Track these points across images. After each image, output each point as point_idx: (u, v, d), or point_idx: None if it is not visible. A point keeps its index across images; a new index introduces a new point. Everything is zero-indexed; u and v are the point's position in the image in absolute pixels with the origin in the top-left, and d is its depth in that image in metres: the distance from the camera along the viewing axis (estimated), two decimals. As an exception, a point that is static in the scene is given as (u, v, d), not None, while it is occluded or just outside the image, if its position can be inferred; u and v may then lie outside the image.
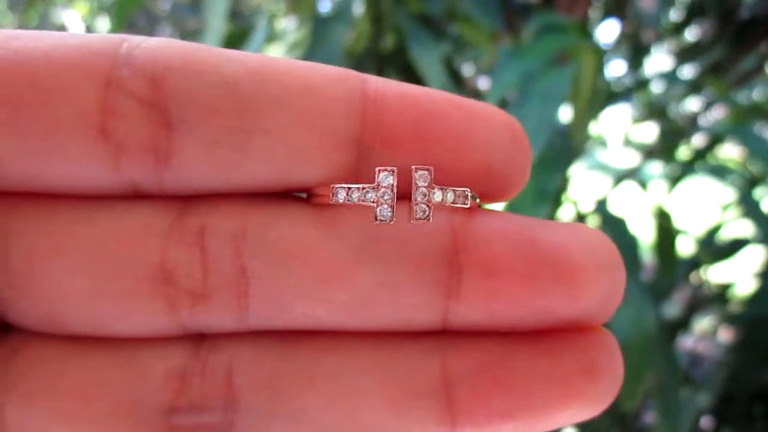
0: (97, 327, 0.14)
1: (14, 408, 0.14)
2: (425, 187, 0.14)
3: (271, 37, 0.74)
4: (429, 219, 0.14)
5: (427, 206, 0.14)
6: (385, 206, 0.14)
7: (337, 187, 0.14)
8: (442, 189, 0.14)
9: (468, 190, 0.14)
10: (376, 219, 0.14)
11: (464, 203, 0.14)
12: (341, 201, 0.14)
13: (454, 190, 0.14)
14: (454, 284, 0.14)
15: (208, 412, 0.14)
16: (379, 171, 0.14)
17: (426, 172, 0.14)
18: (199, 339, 0.15)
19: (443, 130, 0.14)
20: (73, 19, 1.91)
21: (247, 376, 0.14)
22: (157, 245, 0.14)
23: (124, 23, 0.78)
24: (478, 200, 0.15)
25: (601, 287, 0.14)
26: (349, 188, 0.14)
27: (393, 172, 0.14)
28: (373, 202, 0.14)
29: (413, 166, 0.14)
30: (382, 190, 0.14)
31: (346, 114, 0.14)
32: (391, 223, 0.14)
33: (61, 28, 1.95)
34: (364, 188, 0.14)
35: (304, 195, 0.15)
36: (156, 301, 0.14)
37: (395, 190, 0.14)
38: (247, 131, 0.14)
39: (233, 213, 0.14)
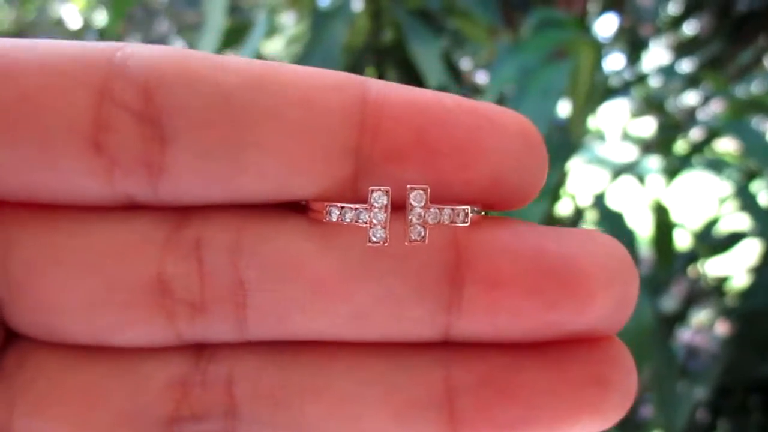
0: (97, 337, 0.14)
1: (21, 417, 0.14)
2: (420, 207, 0.13)
3: (271, 31, 0.74)
4: (425, 240, 0.14)
5: (423, 227, 0.14)
6: (378, 227, 0.13)
7: (330, 206, 0.14)
8: (438, 209, 0.13)
9: (468, 207, 0.14)
10: (369, 241, 0.14)
11: (464, 221, 0.14)
12: (334, 220, 0.14)
13: (452, 209, 0.14)
14: (455, 298, 0.14)
15: (210, 421, 0.14)
16: (372, 191, 0.13)
17: (422, 192, 0.13)
18: (198, 349, 0.15)
19: (449, 138, 0.13)
20: (70, 13, 1.91)
21: (247, 385, 0.14)
22: (154, 257, 0.14)
23: (121, 18, 0.78)
24: (482, 212, 0.14)
25: (612, 298, 0.13)
26: (342, 207, 0.14)
27: (387, 192, 0.13)
28: (365, 223, 0.14)
29: (408, 186, 0.13)
30: (375, 210, 0.13)
31: (343, 124, 0.13)
32: (385, 245, 0.14)
33: (59, 22, 1.94)
34: (356, 208, 0.14)
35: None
36: (154, 313, 0.14)
37: (388, 210, 0.13)
38: (240, 144, 0.13)
39: (228, 225, 0.14)
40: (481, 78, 0.99)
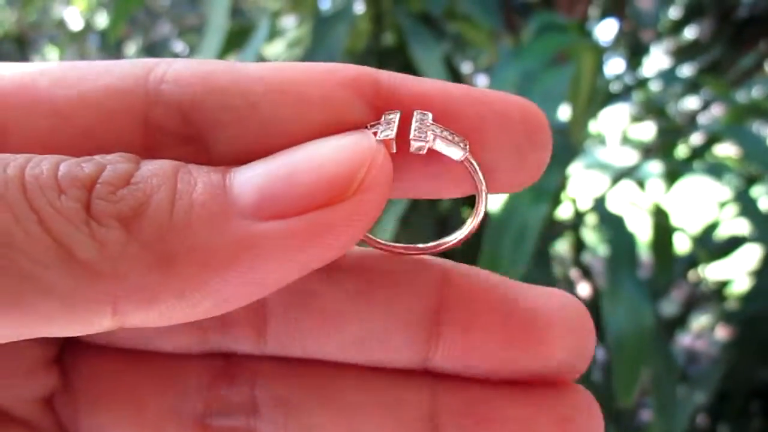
0: (142, 343, 0.17)
1: (83, 414, 0.16)
2: (423, 119, 0.14)
3: (273, 34, 0.74)
4: (426, 141, 0.14)
5: (425, 133, 0.14)
6: (388, 130, 0.14)
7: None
8: (440, 127, 0.14)
9: (466, 141, 0.15)
10: (376, 136, 0.14)
11: (463, 149, 0.14)
12: None
13: (452, 132, 0.14)
14: (434, 335, 0.15)
15: (235, 417, 0.16)
16: (385, 114, 0.14)
17: (427, 114, 0.15)
18: (226, 357, 0.17)
19: (455, 127, 0.15)
20: (72, 14, 1.91)
21: (266, 390, 0.16)
22: None
23: (123, 20, 0.79)
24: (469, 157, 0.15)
25: (568, 346, 0.15)
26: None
27: (396, 112, 0.14)
28: (378, 126, 0.14)
29: (415, 111, 0.15)
30: (386, 122, 0.14)
31: (359, 114, 0.15)
32: (392, 140, 0.14)
33: (60, 23, 1.95)
34: (372, 125, 0.14)
35: None
36: (188, 325, 0.16)
37: (397, 121, 0.14)
38: (270, 147, 0.14)
39: None
40: (482, 81, 0.99)
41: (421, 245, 0.16)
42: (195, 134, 0.14)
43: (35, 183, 0.12)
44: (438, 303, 0.16)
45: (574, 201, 0.71)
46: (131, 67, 0.14)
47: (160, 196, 0.12)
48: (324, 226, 0.13)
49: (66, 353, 0.17)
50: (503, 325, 0.15)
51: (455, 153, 0.14)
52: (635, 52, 0.93)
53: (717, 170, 0.83)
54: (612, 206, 0.67)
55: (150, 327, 0.13)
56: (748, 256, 0.85)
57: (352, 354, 0.16)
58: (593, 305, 0.69)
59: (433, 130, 0.14)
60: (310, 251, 0.13)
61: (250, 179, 0.13)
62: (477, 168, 0.15)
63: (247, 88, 0.14)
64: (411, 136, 0.14)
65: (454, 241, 0.16)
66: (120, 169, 0.12)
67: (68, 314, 0.12)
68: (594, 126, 0.96)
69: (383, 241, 0.16)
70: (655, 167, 0.96)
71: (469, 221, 0.16)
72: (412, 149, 0.14)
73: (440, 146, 0.14)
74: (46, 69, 0.14)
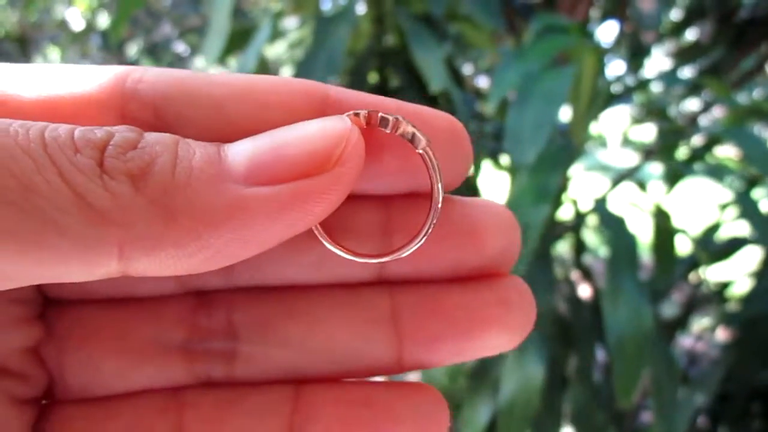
0: (120, 290, 0.19)
1: (70, 353, 0.18)
2: (393, 114, 0.16)
3: (275, 35, 0.74)
4: (393, 116, 0.16)
5: (394, 115, 0.16)
6: (361, 111, 0.16)
7: None
8: (406, 120, 0.16)
9: (429, 142, 0.17)
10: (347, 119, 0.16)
11: (424, 145, 0.16)
12: None
13: (416, 128, 0.16)
14: (387, 247, 0.18)
15: (215, 341, 0.18)
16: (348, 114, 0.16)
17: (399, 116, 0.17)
18: (200, 294, 0.19)
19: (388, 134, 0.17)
20: (73, 15, 1.91)
21: (242, 314, 0.19)
22: None
23: (125, 21, 0.79)
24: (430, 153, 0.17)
25: (500, 242, 0.18)
26: None
27: (365, 111, 0.16)
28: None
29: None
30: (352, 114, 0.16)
31: (310, 118, 0.16)
32: (362, 116, 0.16)
33: (62, 23, 1.95)
34: (347, 114, 0.16)
35: None
36: None
37: (362, 114, 0.16)
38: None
39: None
40: (482, 82, 0.99)
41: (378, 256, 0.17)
42: (165, 128, 0.16)
43: (54, 143, 0.13)
44: (386, 216, 0.18)
45: (575, 202, 0.71)
46: (114, 70, 0.17)
47: (163, 159, 0.14)
48: (306, 194, 0.15)
49: (49, 310, 0.19)
50: (445, 228, 0.18)
51: (419, 140, 0.16)
52: (636, 54, 0.93)
53: (718, 172, 0.83)
54: (613, 208, 0.67)
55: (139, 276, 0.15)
56: (749, 257, 0.85)
57: (314, 275, 0.19)
58: (594, 306, 0.69)
59: (400, 119, 0.16)
60: (292, 214, 0.15)
61: (242, 151, 0.15)
62: (435, 161, 0.17)
63: (214, 91, 0.16)
64: (381, 114, 0.16)
65: (408, 253, 0.17)
66: (128, 136, 0.14)
67: (81, 255, 0.13)
68: (595, 127, 0.96)
69: (341, 247, 0.17)
70: (655, 169, 0.96)
71: (423, 230, 0.17)
72: (380, 124, 0.16)
73: (406, 129, 0.16)
74: (41, 69, 0.16)
